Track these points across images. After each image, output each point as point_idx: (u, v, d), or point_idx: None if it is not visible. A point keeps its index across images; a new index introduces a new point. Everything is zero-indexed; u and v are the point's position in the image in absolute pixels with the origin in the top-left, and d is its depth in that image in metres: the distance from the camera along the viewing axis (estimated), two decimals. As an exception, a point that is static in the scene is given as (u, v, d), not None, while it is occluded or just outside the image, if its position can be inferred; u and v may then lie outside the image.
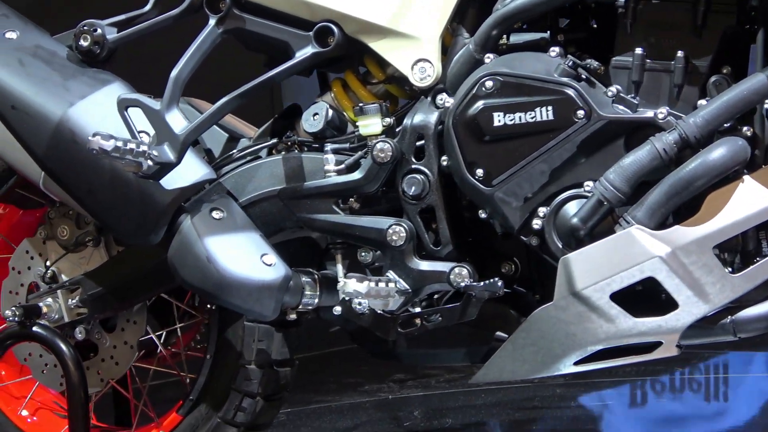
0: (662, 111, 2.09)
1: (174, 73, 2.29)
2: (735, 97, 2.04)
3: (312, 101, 2.46)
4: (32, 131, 2.33)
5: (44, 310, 2.55)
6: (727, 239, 2.04)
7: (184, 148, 2.28)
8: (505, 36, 2.26)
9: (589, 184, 2.11)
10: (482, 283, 2.17)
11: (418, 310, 2.27)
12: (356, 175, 2.27)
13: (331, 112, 2.36)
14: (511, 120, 2.14)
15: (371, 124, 2.27)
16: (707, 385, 3.52)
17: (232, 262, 2.24)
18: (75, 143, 2.31)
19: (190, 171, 2.32)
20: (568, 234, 2.11)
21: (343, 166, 2.30)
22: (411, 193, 2.24)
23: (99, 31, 2.43)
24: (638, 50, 2.14)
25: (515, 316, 2.30)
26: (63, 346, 2.45)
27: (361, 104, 2.29)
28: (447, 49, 2.29)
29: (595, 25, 2.29)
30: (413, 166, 2.25)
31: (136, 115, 2.27)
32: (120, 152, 2.17)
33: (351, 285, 2.19)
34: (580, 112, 2.10)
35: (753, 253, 2.10)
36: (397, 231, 2.25)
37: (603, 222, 2.10)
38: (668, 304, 2.08)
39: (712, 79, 2.11)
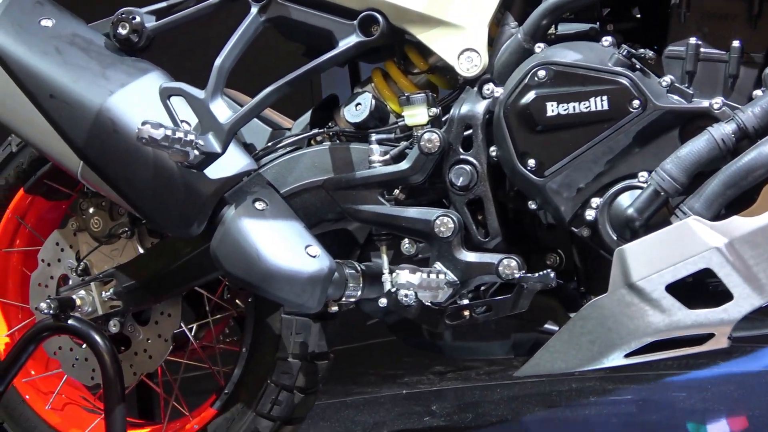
0: (717, 101, 2.08)
1: (218, 62, 2.26)
2: None
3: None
4: (71, 120, 2.30)
5: (78, 302, 2.51)
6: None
7: (229, 137, 2.25)
8: (553, 26, 2.24)
9: (643, 175, 2.10)
10: (537, 275, 2.15)
11: (465, 302, 2.24)
12: (403, 166, 2.25)
13: (374, 102, 2.33)
14: (564, 110, 2.12)
15: (417, 114, 2.25)
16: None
17: (277, 254, 2.22)
18: (115, 132, 2.27)
19: (231, 161, 2.29)
20: (622, 225, 2.10)
21: (388, 156, 2.28)
22: (459, 184, 2.22)
23: (138, 19, 2.40)
24: (692, 40, 2.13)
25: (559, 309, 2.28)
26: (100, 340, 2.41)
27: (407, 94, 2.26)
28: (492, 39, 2.27)
29: (642, 15, 2.27)
30: (461, 157, 2.23)
31: (176, 104, 2.24)
32: (169, 141, 2.13)
33: (403, 276, 2.17)
34: (636, 102, 2.08)
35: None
36: (444, 222, 2.22)
37: (658, 213, 2.08)
38: (721, 296, 2.07)
39: None
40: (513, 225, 2.28)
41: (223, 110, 2.25)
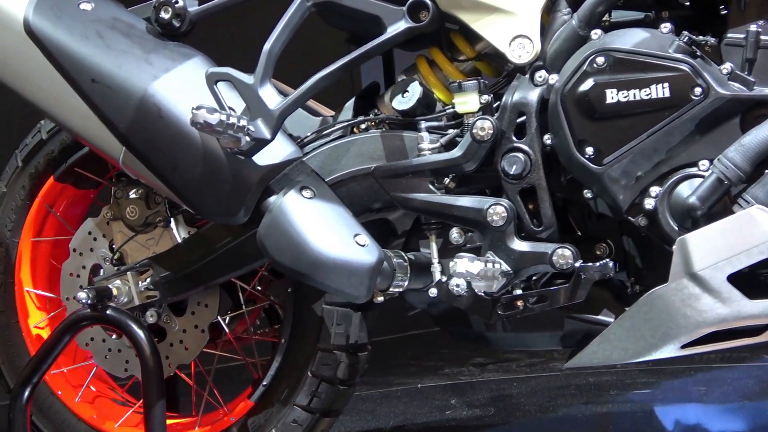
0: (780, 89, 2.06)
1: (266, 47, 2.23)
2: None
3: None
4: (114, 106, 2.26)
5: (114, 292, 2.46)
6: None
7: (279, 124, 2.22)
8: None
9: (704, 164, 2.08)
10: (597, 264, 2.14)
11: (519, 292, 2.22)
12: (455, 153, 2.22)
13: (422, 89, 2.30)
14: (624, 97, 2.10)
15: (469, 101, 2.23)
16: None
17: (326, 242, 2.19)
18: (161, 118, 2.24)
19: (277, 149, 2.26)
20: (684, 214, 2.08)
21: (438, 144, 2.25)
22: (512, 172, 2.19)
23: (180, 3, 2.36)
24: (752, 27, 2.10)
25: (610, 300, 2.26)
26: (139, 331, 2.37)
27: (459, 80, 2.24)
28: (543, 26, 2.24)
29: (696, 2, 2.25)
30: (514, 144, 2.20)
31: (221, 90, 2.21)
32: (224, 126, 2.10)
33: (462, 265, 2.14)
34: (698, 90, 2.06)
35: None
36: (497, 211, 2.20)
37: (719, 202, 2.07)
38: (773, 287, 2.06)
39: None
40: (561, 214, 2.25)
41: (272, 96, 2.22)
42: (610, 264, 2.14)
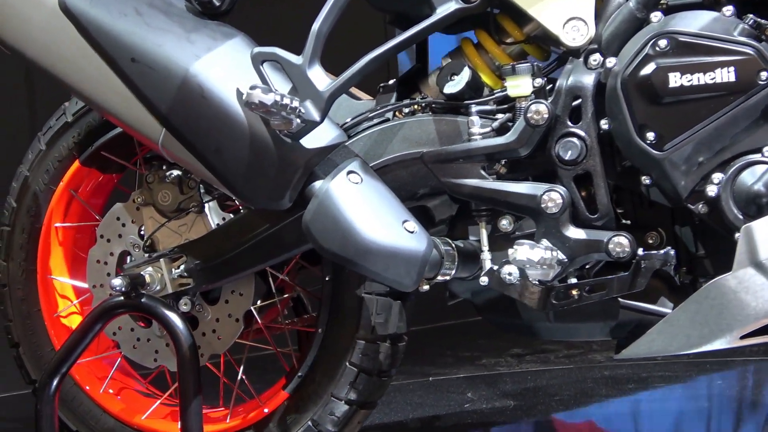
0: None
1: (315, 26, 2.18)
2: None
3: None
4: (155, 86, 2.20)
5: (147, 280, 2.41)
6: None
7: (328, 106, 2.17)
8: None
9: None
10: (661, 252, 2.10)
11: (573, 281, 2.18)
12: (508, 138, 2.19)
13: (471, 72, 2.26)
14: (688, 81, 2.07)
15: (521, 85, 2.19)
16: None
17: (375, 229, 2.14)
18: (203, 99, 2.18)
19: (323, 132, 2.21)
20: (748, 201, 2.05)
21: (489, 128, 2.21)
22: (567, 158, 2.16)
23: (220, -19, 2.30)
24: (818, 10, 2.08)
25: (663, 289, 2.23)
26: (176, 320, 2.32)
27: (512, 63, 2.20)
28: (597, 8, 2.21)
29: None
30: (569, 129, 2.16)
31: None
32: (278, 107, 2.05)
33: (522, 252, 2.10)
34: (764, 74, 2.04)
35: None
36: (552, 198, 2.16)
37: (785, 189, 2.04)
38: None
39: None
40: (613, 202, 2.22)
41: (321, 77, 2.17)
42: (672, 252, 2.11)
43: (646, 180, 2.14)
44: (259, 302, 2.52)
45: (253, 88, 2.05)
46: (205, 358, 2.47)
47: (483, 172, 2.21)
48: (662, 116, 2.09)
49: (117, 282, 2.34)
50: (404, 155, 2.27)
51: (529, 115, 2.16)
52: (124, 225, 2.52)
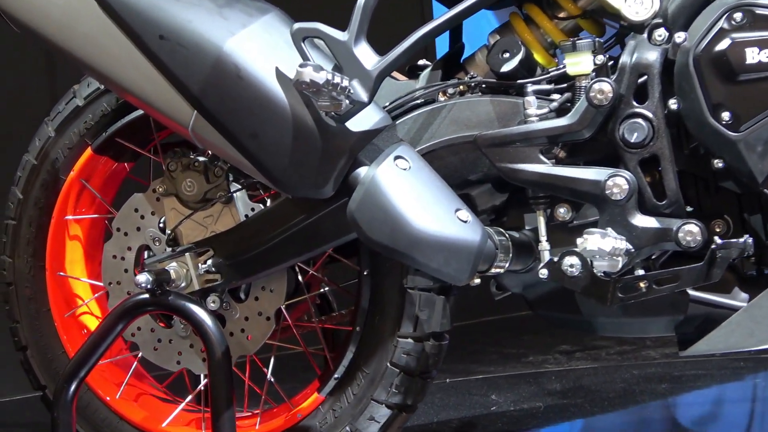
0: None
1: (361, 0, 2.07)
2: None
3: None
4: (186, 65, 2.10)
5: (172, 276, 2.30)
6: None
7: (377, 86, 2.08)
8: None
9: None
10: (740, 240, 2.02)
11: (641, 272, 2.09)
12: (569, 120, 2.10)
13: (524, 49, 2.17)
14: (767, 57, 1.98)
15: (582, 62, 2.11)
16: None
17: (427, 218, 2.05)
18: (240, 79, 2.08)
19: (368, 114, 2.11)
20: None
21: (547, 109, 2.12)
22: (633, 140, 2.08)
23: (251, -49, 2.20)
24: None
25: (733, 281, 2.15)
26: (207, 319, 2.21)
27: (572, 39, 2.12)
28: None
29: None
30: (635, 110, 2.08)
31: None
32: (329, 87, 1.95)
33: (593, 242, 2.02)
34: None
35: None
36: (617, 183, 2.08)
37: None
38: None
39: None
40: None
41: (368, 55, 2.08)
42: (750, 241, 2.04)
43: (718, 164, 2.06)
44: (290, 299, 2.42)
45: (303, 65, 1.96)
46: (234, 359, 2.36)
47: (542, 157, 2.12)
48: (739, 95, 2.00)
49: (142, 278, 2.23)
50: (454, 139, 2.18)
51: (591, 94, 2.08)
52: (143, 217, 2.41)
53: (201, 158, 2.35)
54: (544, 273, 2.13)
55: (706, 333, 2.11)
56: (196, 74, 2.09)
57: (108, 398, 2.48)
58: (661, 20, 2.10)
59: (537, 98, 2.14)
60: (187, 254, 2.33)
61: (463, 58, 2.33)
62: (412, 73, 2.33)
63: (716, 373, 3.27)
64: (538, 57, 2.23)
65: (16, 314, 2.53)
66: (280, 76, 2.06)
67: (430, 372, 2.37)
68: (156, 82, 2.14)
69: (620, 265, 2.06)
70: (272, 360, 2.46)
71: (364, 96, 2.06)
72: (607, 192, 2.08)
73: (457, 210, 2.09)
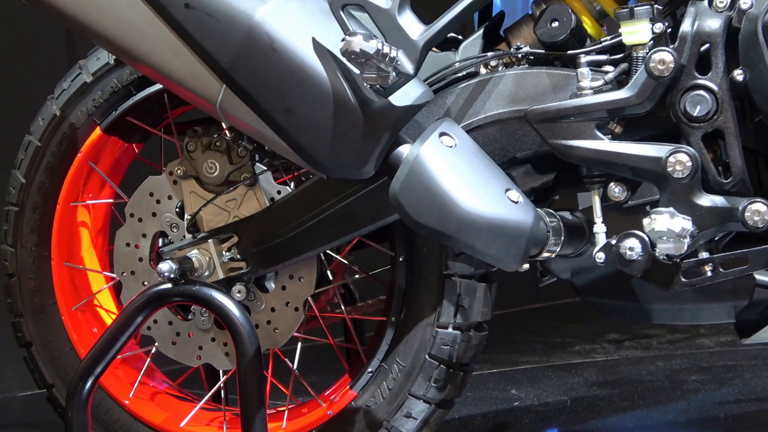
0: None
1: (405, -36, 1.98)
2: None
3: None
4: (214, 36, 2.00)
5: (194, 264, 2.21)
6: None
7: (423, 57, 2.00)
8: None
9: None
10: (818, 221, 1.95)
11: (705, 255, 2.02)
12: (627, 92, 2.02)
13: (575, 18, 2.10)
14: None
15: (640, 30, 2.04)
16: None
17: (477, 199, 1.97)
18: (274, 51, 1.99)
19: (410, 88, 2.03)
20: None
21: (601, 81, 2.05)
22: (695, 114, 2.00)
23: None
24: None
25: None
26: (236, 311, 2.12)
27: (630, 5, 2.04)
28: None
29: None
30: (697, 81, 2.01)
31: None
32: (379, 57, 1.86)
33: (662, 222, 1.95)
34: None
35: None
36: (680, 159, 2.00)
37: None
38: None
39: None
40: None
41: (413, 24, 1.99)
42: None
43: None
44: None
45: (352, 34, 1.87)
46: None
47: (598, 132, 2.05)
48: None
49: (165, 267, 2.13)
50: (501, 114, 2.11)
51: (651, 65, 2.00)
52: (158, 202, 2.32)
53: (223, 137, 2.26)
54: (600, 257, 2.05)
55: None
56: (226, 46, 2.00)
57: (121, 397, 2.38)
58: None
59: (593, 70, 2.07)
60: (209, 241, 2.24)
61: (503, 28, 2.25)
62: (447, 44, 2.25)
63: (746, 364, 3.21)
64: (587, 26, 2.16)
65: (20, 308, 2.43)
66: (317, 46, 1.97)
67: (469, 364, 2.29)
68: (181, 55, 2.04)
69: (686, 247, 1.99)
70: (297, 353, 2.37)
71: (409, 68, 1.97)
72: (668, 169, 2.01)
73: (507, 190, 2.02)
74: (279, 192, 2.26)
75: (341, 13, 1.97)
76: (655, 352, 3.32)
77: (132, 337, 2.19)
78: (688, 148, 2.01)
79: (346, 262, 2.37)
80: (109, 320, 2.44)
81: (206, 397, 2.41)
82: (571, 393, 3.03)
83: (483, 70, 2.17)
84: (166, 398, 2.44)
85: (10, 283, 2.43)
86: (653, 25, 2.03)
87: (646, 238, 2.01)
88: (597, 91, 2.05)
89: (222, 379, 2.39)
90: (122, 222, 2.41)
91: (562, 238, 2.09)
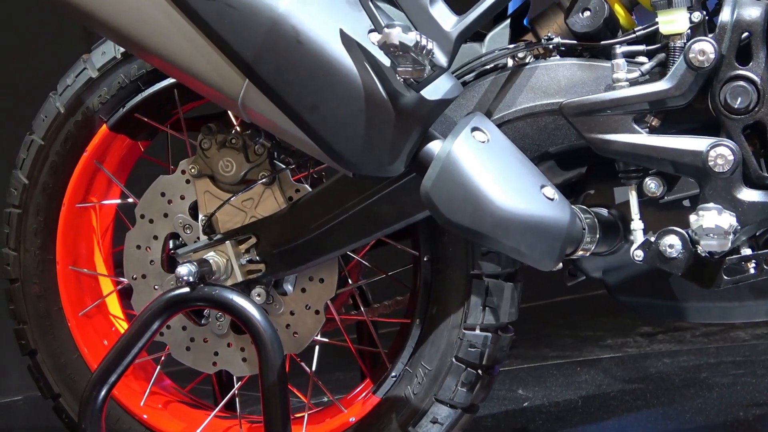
0: None
1: (436, -47, 1.94)
2: None
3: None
4: (237, 28, 1.95)
5: (212, 267, 2.16)
6: None
7: (456, 49, 1.96)
8: None
9: None
10: None
11: (748, 251, 1.99)
12: (666, 84, 1.99)
13: (608, 7, 2.06)
14: None
15: (677, 20, 2.00)
16: None
17: (513, 197, 1.93)
18: (299, 44, 1.94)
19: (440, 82, 1.98)
20: None
21: (638, 73, 2.01)
22: (736, 106, 1.97)
23: None
24: None
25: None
26: (258, 316, 2.07)
27: (666, -7, 2.00)
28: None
29: None
30: (738, 72, 1.98)
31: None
32: (417, 50, 1.81)
33: (710, 218, 1.92)
34: None
35: None
36: (721, 153, 1.97)
37: None
38: None
39: None
40: None
41: (446, 15, 1.95)
42: None
43: None
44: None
45: (390, 26, 1.82)
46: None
47: (635, 126, 2.01)
48: None
49: (184, 270, 2.08)
50: (533, 107, 2.07)
51: (691, 55, 1.97)
52: (170, 202, 2.26)
53: (240, 134, 2.21)
54: (639, 255, 2.02)
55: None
56: (249, 39, 1.94)
57: (131, 406, 2.33)
58: None
59: (628, 61, 2.03)
60: (227, 242, 2.19)
61: (528, 18, 2.21)
62: (472, 36, 2.21)
63: (757, 359, 3.19)
64: (619, 15, 2.13)
65: (23, 314, 2.37)
66: (345, 39, 1.93)
67: (495, 367, 2.26)
68: (200, 48, 1.98)
69: (730, 244, 1.96)
70: (315, 356, 2.33)
71: (443, 60, 1.93)
72: (710, 163, 1.98)
73: (542, 186, 1.98)
74: (297, 191, 2.21)
75: (370, 3, 1.92)
76: (689, 345, 3.29)
77: (148, 343, 2.13)
78: (729, 141, 1.98)
79: (366, 263, 2.32)
80: (118, 325, 2.38)
81: (220, 405, 2.36)
82: (601, 388, 3.00)
83: (510, 62, 2.13)
84: (177, 406, 2.39)
85: (13, 288, 2.38)
86: (691, 14, 2.00)
87: (686, 235, 1.98)
88: (633, 83, 2.02)
89: (236, 386, 2.34)
90: (126, 222, 2.36)
91: (597, 235, 2.05)
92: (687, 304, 2.17)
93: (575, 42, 2.09)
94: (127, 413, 2.33)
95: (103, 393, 2.12)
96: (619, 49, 2.04)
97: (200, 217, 2.23)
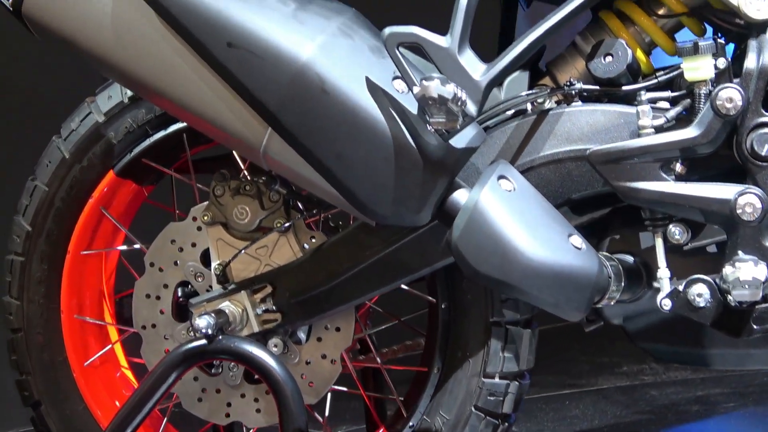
0: None
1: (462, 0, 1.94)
2: None
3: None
4: (260, 76, 1.93)
5: (229, 318, 2.14)
6: None
7: (485, 98, 1.95)
8: None
9: None
10: None
11: (779, 300, 2.01)
12: (693, 131, 2.00)
13: (630, 52, 2.07)
14: None
15: (702, 66, 2.01)
16: None
17: (542, 247, 1.94)
18: (324, 93, 1.92)
19: (465, 130, 1.98)
20: None
21: (663, 120, 2.02)
22: (764, 153, 1.99)
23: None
24: None
25: None
26: (278, 369, 2.06)
27: (693, 40, 2.01)
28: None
29: None
30: (764, 119, 1.99)
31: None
32: (454, 101, 1.81)
33: (747, 271, 1.92)
34: None
35: None
36: (749, 201, 1.98)
37: None
38: None
39: None
40: None
41: (474, 63, 1.94)
42: None
43: None
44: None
45: (428, 78, 1.82)
46: (293, 409, 2.21)
47: (662, 173, 2.02)
48: None
49: (203, 323, 2.07)
50: (556, 153, 2.07)
51: (719, 102, 1.98)
52: (181, 249, 2.24)
53: (254, 181, 2.20)
54: (667, 304, 2.03)
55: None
56: (273, 87, 1.93)
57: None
58: None
59: (654, 108, 2.05)
60: (242, 292, 2.17)
61: (545, 62, 2.22)
62: None
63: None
64: (640, 60, 2.14)
65: (26, 365, 2.34)
66: (372, 88, 1.92)
67: (512, 415, 2.26)
68: (222, 96, 1.97)
69: (761, 294, 1.97)
70: (327, 405, 2.32)
71: (473, 110, 1.93)
72: (738, 211, 1.99)
73: (570, 235, 1.98)
74: (312, 238, 2.20)
75: (396, 51, 1.92)
76: (706, 373, 3.30)
77: (163, 396, 2.11)
78: (757, 188, 1.99)
79: (380, 309, 2.32)
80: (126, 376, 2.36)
81: (234, 457, 2.34)
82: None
83: (529, 107, 2.13)
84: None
85: (16, 338, 2.34)
86: (716, 60, 2.01)
87: (714, 283, 1.99)
88: (659, 129, 2.03)
89: (247, 436, 2.33)
90: (129, 268, 2.34)
91: (623, 283, 2.06)
92: (707, 351, 2.19)
93: (597, 87, 2.10)
94: None
95: (117, 449, 2.10)
96: (645, 96, 2.05)
97: (213, 265, 2.21)
